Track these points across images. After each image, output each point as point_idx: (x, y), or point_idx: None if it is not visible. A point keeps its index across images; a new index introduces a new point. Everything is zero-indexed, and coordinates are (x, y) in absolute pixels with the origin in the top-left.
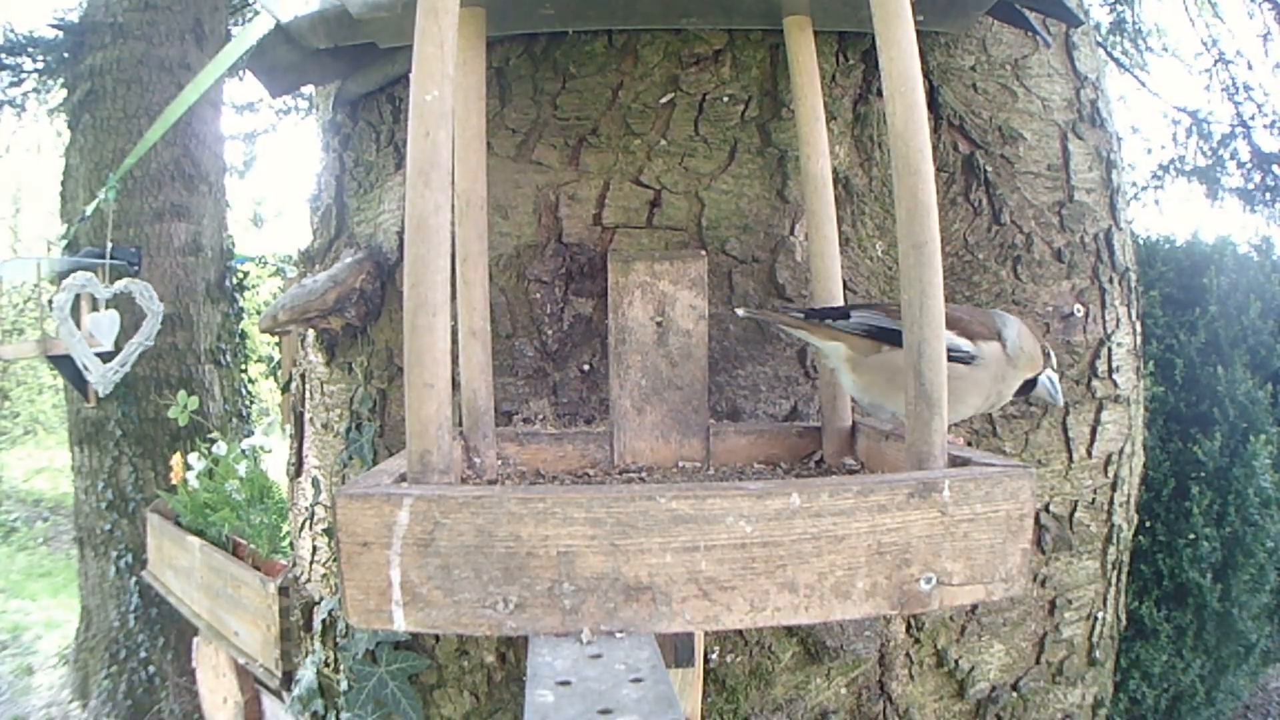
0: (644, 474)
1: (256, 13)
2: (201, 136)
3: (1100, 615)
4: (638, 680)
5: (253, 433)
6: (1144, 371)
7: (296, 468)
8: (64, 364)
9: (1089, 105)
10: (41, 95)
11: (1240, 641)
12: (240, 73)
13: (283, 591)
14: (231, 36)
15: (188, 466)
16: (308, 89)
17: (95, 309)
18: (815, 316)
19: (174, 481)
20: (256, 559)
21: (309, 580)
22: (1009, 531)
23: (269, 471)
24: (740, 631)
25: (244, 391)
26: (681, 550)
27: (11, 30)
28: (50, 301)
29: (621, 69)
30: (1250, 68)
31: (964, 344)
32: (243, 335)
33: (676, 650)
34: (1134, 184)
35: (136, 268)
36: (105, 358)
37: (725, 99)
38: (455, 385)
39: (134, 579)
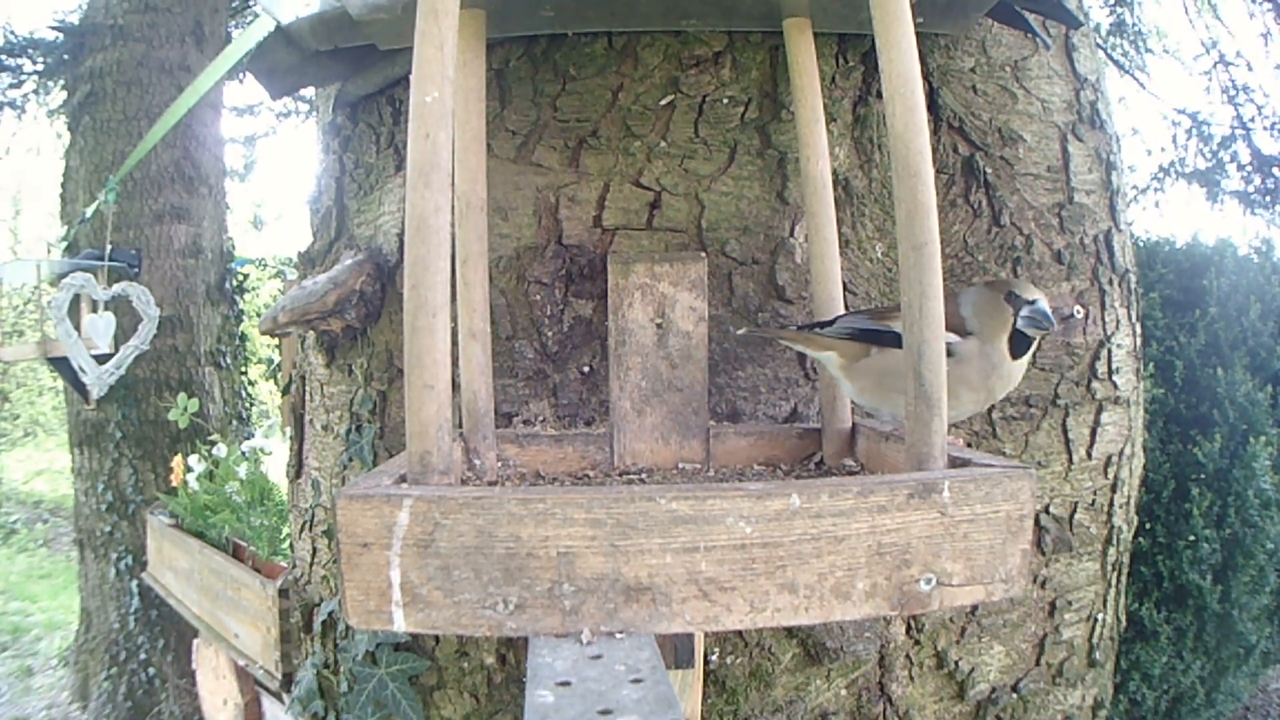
0: (644, 475)
1: (257, 15)
2: (201, 139)
3: (1100, 617)
4: (638, 681)
5: (253, 435)
6: (1144, 373)
7: (296, 469)
8: (64, 366)
9: (1089, 107)
10: (41, 97)
11: (1240, 643)
12: (240, 75)
13: (283, 593)
14: (231, 39)
15: (188, 468)
16: (308, 91)
17: (94, 311)
18: (807, 329)
19: (174, 483)
20: (257, 561)
21: (309, 582)
22: (1009, 532)
23: (269, 473)
24: (740, 632)
25: (244, 394)
26: (681, 551)
27: (11, 32)
28: (49, 303)
29: (621, 71)
30: (1250, 69)
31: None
32: (243, 337)
33: (676, 651)
34: (1134, 186)
35: (136, 270)
36: (102, 360)
37: (725, 101)
38: (455, 387)
39: (134, 581)
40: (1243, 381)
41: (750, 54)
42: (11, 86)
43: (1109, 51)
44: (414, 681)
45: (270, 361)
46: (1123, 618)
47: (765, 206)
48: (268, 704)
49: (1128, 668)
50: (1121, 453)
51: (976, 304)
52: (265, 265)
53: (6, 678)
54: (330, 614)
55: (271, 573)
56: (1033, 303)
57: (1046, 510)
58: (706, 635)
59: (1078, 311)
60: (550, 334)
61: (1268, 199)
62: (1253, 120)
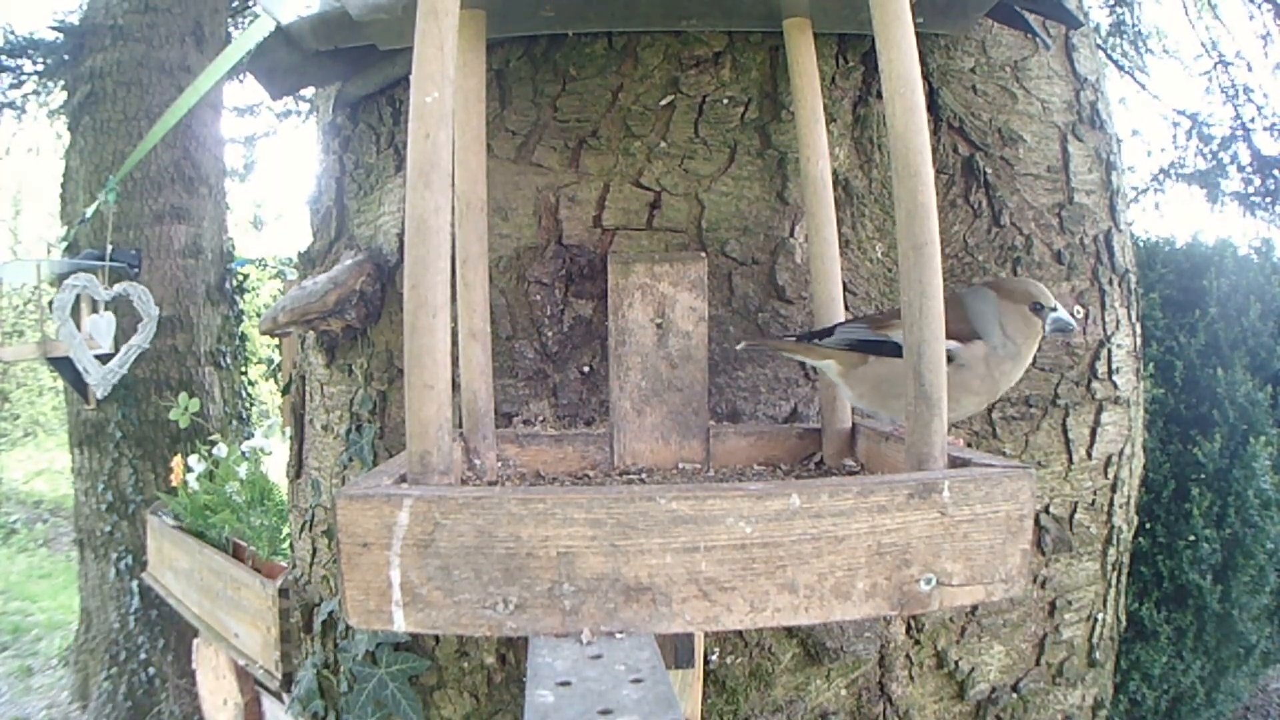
0: (644, 475)
1: (257, 15)
2: (201, 139)
3: (1100, 616)
4: (638, 681)
5: (253, 435)
6: (1144, 373)
7: (296, 469)
8: (64, 366)
9: (1089, 107)
10: (41, 97)
11: (1240, 643)
12: (240, 75)
13: (283, 593)
14: (231, 39)
15: (188, 468)
16: (308, 91)
17: (95, 311)
18: (805, 339)
19: (174, 483)
20: (256, 561)
21: (309, 582)
22: (1009, 532)
23: (269, 473)
24: (740, 632)
25: (244, 394)
26: (681, 551)
27: (12, 32)
28: (50, 303)
29: (621, 71)
30: (1250, 70)
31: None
32: (243, 337)
33: (676, 651)
34: (1134, 187)
35: (136, 270)
36: (103, 359)
37: (725, 101)
38: (455, 387)
39: (134, 581)
40: (1243, 381)
41: (750, 54)
42: (12, 87)
43: (1109, 52)
44: (414, 681)
45: (270, 361)
46: (1123, 618)
47: (765, 206)
48: (268, 704)
49: (1128, 667)
50: (1121, 453)
51: (1005, 320)
52: (265, 265)
53: (6, 677)
54: (330, 614)
55: (271, 572)
56: (1055, 309)
57: (1046, 510)
58: (706, 635)
59: (1078, 311)
60: (550, 334)
61: (1268, 200)
62: (1253, 121)
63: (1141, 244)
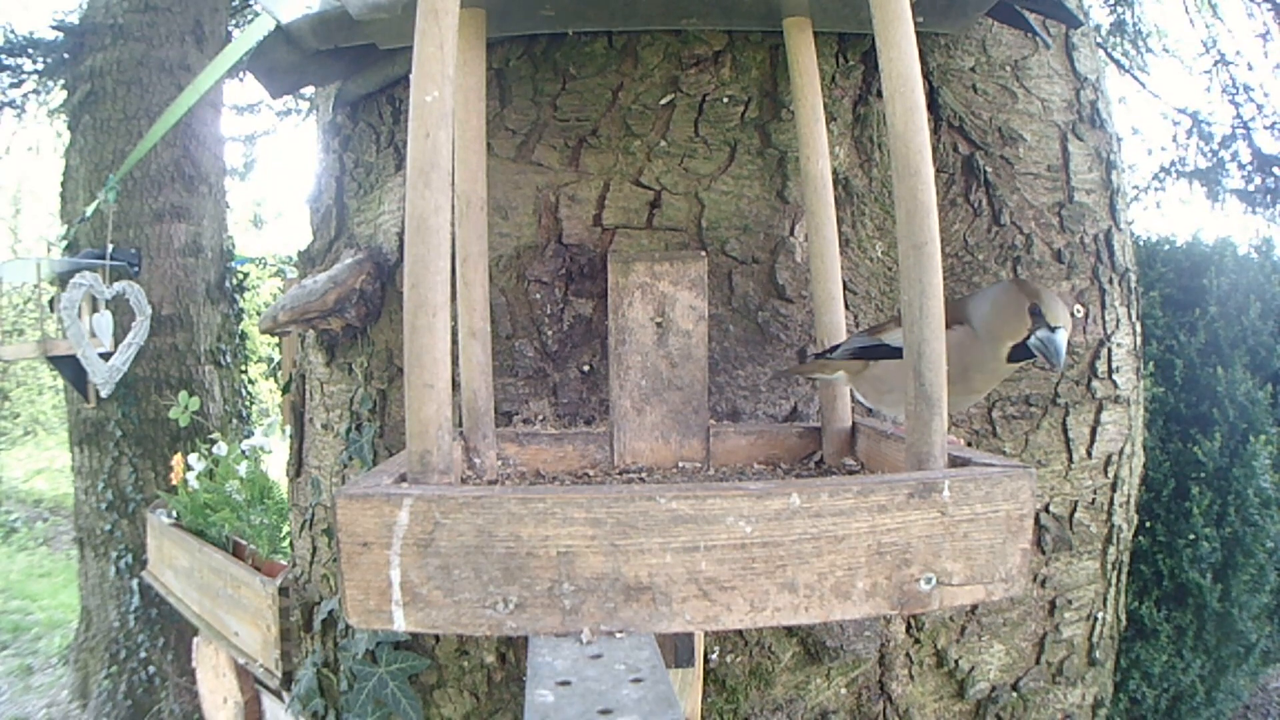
0: (644, 474)
1: (257, 14)
2: (201, 138)
3: (1100, 615)
4: (638, 680)
5: (253, 433)
6: (1144, 372)
7: (296, 468)
8: (64, 365)
9: (1089, 106)
10: (41, 96)
11: (1240, 642)
12: (240, 74)
13: (283, 592)
14: (231, 38)
15: (188, 467)
16: (308, 90)
17: (95, 310)
18: (820, 356)
19: (174, 482)
20: (257, 559)
21: (309, 580)
22: (1009, 532)
23: (269, 472)
24: (740, 631)
25: (244, 392)
26: (681, 550)
27: (11, 31)
28: (50, 302)
29: (621, 70)
30: (1250, 68)
31: None
32: (243, 336)
33: (676, 650)
34: (1134, 185)
35: (137, 269)
36: (104, 358)
37: (725, 100)
38: (455, 386)
39: (134, 579)
40: (1243, 380)
41: (750, 53)
42: (11, 86)
43: (1109, 51)
44: (414, 680)
45: (270, 360)
46: (1123, 616)
47: (765, 205)
48: (268, 702)
49: (1128, 666)
50: (1121, 451)
51: (997, 302)
52: (265, 264)
53: (6, 676)
54: (330, 612)
55: (271, 571)
56: (1053, 330)
57: (1046, 509)
58: (706, 634)
59: (1078, 310)
60: (550, 333)
61: (1268, 198)
62: (1253, 119)
63: (1141, 243)
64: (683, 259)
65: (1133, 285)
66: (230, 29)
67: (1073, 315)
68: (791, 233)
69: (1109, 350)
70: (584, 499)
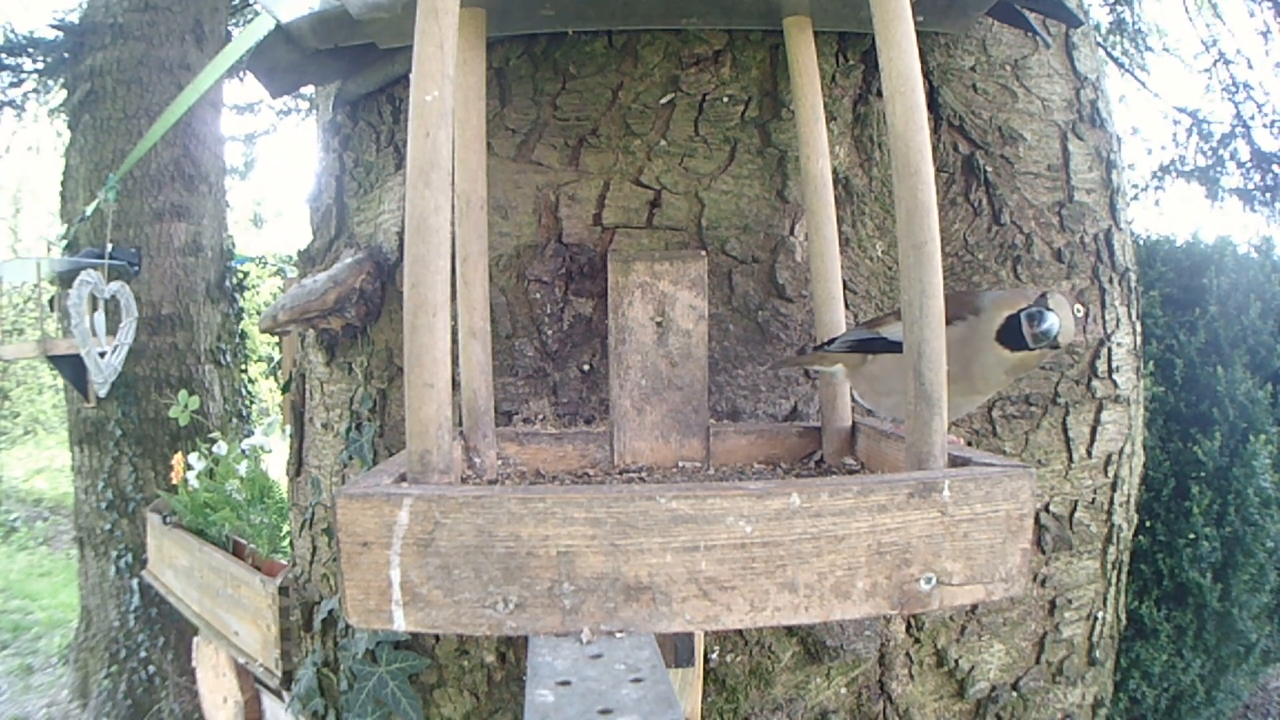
0: (644, 474)
1: (257, 13)
2: (201, 137)
3: (1100, 615)
4: (638, 680)
5: (253, 433)
6: (1144, 371)
7: (296, 468)
8: (64, 364)
9: (1089, 105)
10: (41, 96)
11: (1240, 641)
12: (240, 73)
13: (283, 591)
14: (231, 37)
15: (188, 466)
16: (308, 89)
17: (94, 309)
18: (819, 348)
19: (174, 481)
20: (257, 559)
21: (309, 580)
22: (1009, 531)
23: (269, 471)
24: (740, 631)
25: (244, 391)
26: (681, 550)
27: (11, 31)
28: (50, 302)
29: (621, 69)
30: (1250, 67)
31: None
32: (243, 335)
33: (676, 650)
34: (1134, 184)
35: (136, 268)
36: (100, 356)
37: (725, 99)
38: (455, 385)
39: (134, 579)
40: (1243, 380)
41: (750, 52)
42: (11, 85)
43: (1109, 50)
44: (414, 680)
45: (270, 359)
46: (1123, 616)
47: (765, 205)
48: (268, 702)
49: (1128, 666)
50: (1121, 451)
51: (1000, 294)
52: (265, 263)
53: (6, 676)
54: (330, 612)
55: (271, 570)
56: (1047, 307)
57: (1047, 509)
58: (706, 634)
59: (1077, 310)
60: (550, 332)
61: (1268, 196)
62: (1253, 118)
63: (1141, 242)
64: (683, 258)
65: (1133, 285)
66: (230, 29)
67: (1076, 318)
68: (791, 232)
69: (1109, 350)
70: (584, 499)
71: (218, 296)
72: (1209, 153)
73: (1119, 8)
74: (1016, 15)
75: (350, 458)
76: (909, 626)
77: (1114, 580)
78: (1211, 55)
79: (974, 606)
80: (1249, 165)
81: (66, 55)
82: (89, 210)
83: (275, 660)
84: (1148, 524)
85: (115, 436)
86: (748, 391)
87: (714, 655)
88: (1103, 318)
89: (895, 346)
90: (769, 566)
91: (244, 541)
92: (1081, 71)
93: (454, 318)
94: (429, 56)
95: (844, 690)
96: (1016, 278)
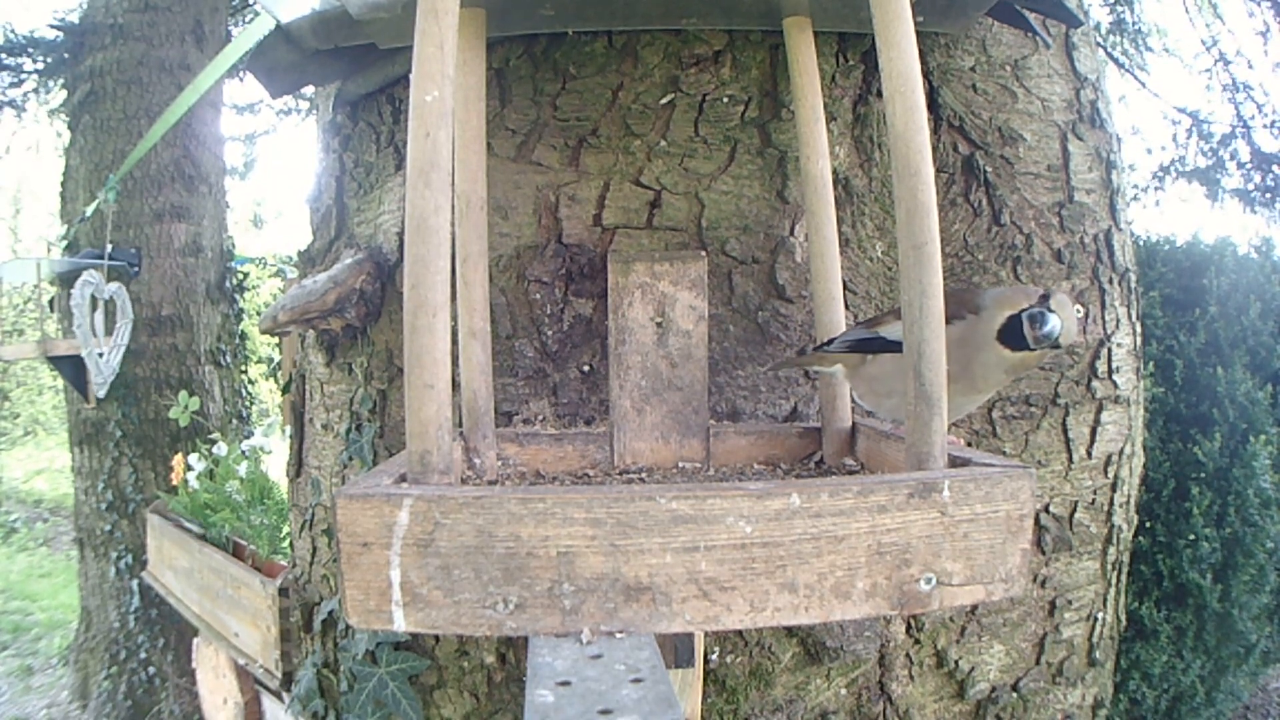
0: (644, 474)
1: (257, 14)
2: (201, 137)
3: (1100, 616)
4: (638, 680)
5: (253, 433)
6: (1144, 372)
7: (296, 468)
8: (64, 365)
9: (1089, 106)
10: (41, 96)
11: (1240, 642)
12: (240, 73)
13: (283, 592)
14: (231, 37)
15: (188, 467)
16: (308, 90)
17: (95, 309)
18: (819, 349)
19: (174, 482)
20: (257, 560)
21: (309, 581)
22: (1009, 532)
23: (269, 472)
24: (740, 632)
25: (244, 392)
26: (681, 550)
27: (12, 31)
28: (51, 302)
29: (621, 70)
30: (1251, 67)
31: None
32: (243, 336)
33: (676, 650)
34: (1134, 185)
35: (136, 269)
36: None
37: (725, 100)
38: (455, 386)
39: (134, 580)
40: (1243, 380)
41: (750, 53)
42: (12, 85)
43: (1109, 50)
44: (414, 680)
45: (270, 360)
46: (1123, 617)
47: (765, 205)
48: (268, 703)
49: (1128, 667)
50: (1121, 452)
51: (1003, 292)
52: (265, 264)
53: (7, 677)
54: (330, 613)
55: (271, 571)
56: (1049, 308)
57: (1046, 509)
58: (706, 634)
59: (1078, 311)
60: (550, 333)
61: (1268, 196)
62: (1253, 118)
63: (1141, 243)
64: (683, 259)
65: (1133, 285)
66: (230, 29)
67: (1077, 317)
68: (791, 233)
69: (1109, 350)
70: (584, 499)
71: (218, 297)
72: (1209, 153)
73: (1119, 8)
74: (1016, 15)
75: (350, 458)
76: (909, 627)
77: (1114, 581)
78: (1211, 55)
79: (974, 607)
80: (1249, 166)
81: (66, 55)
82: (89, 211)
83: (275, 661)
84: (1148, 525)
85: (115, 437)
86: (748, 392)
87: (714, 656)
88: (1103, 318)
89: (895, 346)
90: (769, 567)
91: (244, 542)
92: (1081, 72)
93: (454, 318)
94: (429, 57)
95: (844, 691)
96: (1016, 278)
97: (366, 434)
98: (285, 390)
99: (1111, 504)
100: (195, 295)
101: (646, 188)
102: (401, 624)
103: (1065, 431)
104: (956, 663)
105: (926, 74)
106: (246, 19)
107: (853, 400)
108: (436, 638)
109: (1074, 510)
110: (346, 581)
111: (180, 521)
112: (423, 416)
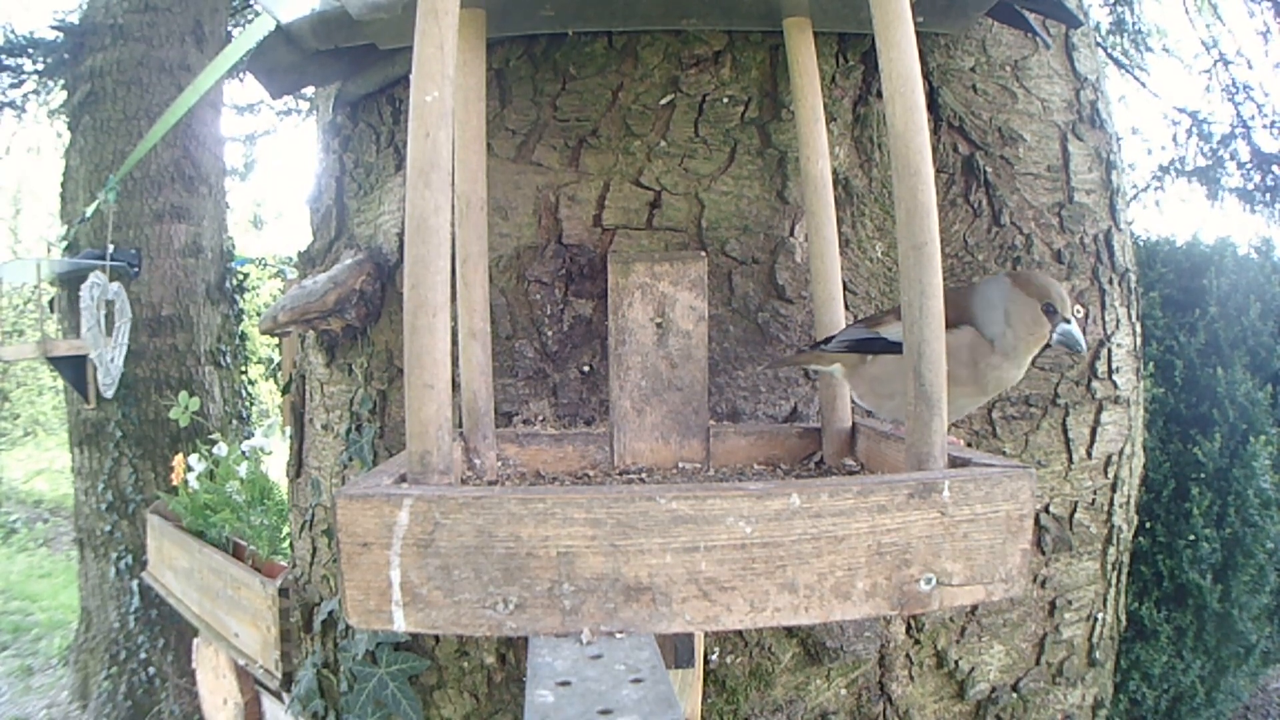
0: (644, 475)
1: (257, 14)
2: (201, 138)
3: (1100, 616)
4: (638, 680)
5: (253, 434)
6: (1144, 373)
7: (296, 469)
8: (64, 365)
9: (1089, 106)
10: (42, 97)
11: (1240, 642)
12: (240, 74)
13: (283, 593)
14: (231, 38)
15: (188, 468)
16: (308, 90)
17: (97, 309)
18: (816, 347)
19: (174, 483)
20: (257, 560)
21: (309, 581)
22: (1009, 532)
23: (269, 473)
24: (740, 632)
25: (244, 393)
26: (681, 551)
27: (12, 31)
28: (50, 303)
29: (621, 70)
30: (1250, 67)
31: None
32: (243, 337)
33: (676, 651)
34: (1134, 185)
35: (136, 269)
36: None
37: (725, 100)
38: (455, 386)
39: (134, 580)
40: (1243, 381)
41: (750, 53)
42: (12, 86)
43: (1109, 50)
44: (414, 681)
45: (270, 361)
46: (1123, 617)
47: (765, 206)
48: (268, 703)
49: (1128, 667)
50: (1121, 452)
51: (1010, 311)
52: (265, 264)
53: (6, 677)
54: (330, 613)
55: (271, 572)
56: (1068, 321)
57: (1046, 510)
58: (706, 635)
59: (1078, 311)
60: (550, 333)
61: (1268, 196)
62: (1252, 118)
63: (1141, 243)
64: (683, 259)
65: (1133, 285)
66: (230, 29)
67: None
68: (791, 233)
69: (1109, 350)
70: (584, 499)
71: (218, 298)
72: (1209, 153)
73: (1119, 8)
74: (1016, 16)
75: (350, 459)
76: (909, 627)
77: (1114, 581)
78: (1211, 56)
79: (974, 607)
80: (1249, 166)
81: (66, 56)
82: (89, 211)
83: (275, 662)
84: (1148, 525)
85: (115, 438)
86: (748, 392)
87: (714, 656)
88: (1102, 318)
89: (894, 347)
90: (769, 567)
91: (244, 543)
92: (1081, 72)
93: (454, 319)
94: (429, 57)
95: (844, 691)
96: None
97: (366, 434)
98: (285, 391)
99: (1111, 504)
100: (195, 296)
101: (646, 188)
102: (401, 624)
103: (1065, 432)
104: (956, 663)
105: (926, 74)
106: (246, 19)
107: (853, 401)
108: (436, 638)
109: (1074, 510)
110: (346, 582)
111: (179, 522)
112: (423, 417)
